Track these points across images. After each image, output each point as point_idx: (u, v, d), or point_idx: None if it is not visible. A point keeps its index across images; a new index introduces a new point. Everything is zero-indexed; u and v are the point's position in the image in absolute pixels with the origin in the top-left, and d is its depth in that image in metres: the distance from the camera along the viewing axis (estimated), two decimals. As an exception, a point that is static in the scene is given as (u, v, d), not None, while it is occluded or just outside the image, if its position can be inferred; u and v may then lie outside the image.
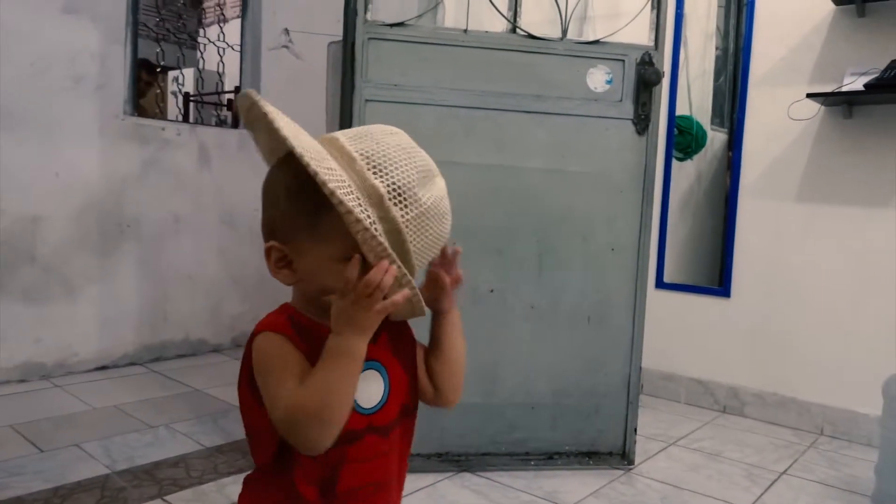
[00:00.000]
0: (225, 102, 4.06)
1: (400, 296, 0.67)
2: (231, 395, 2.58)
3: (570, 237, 1.99)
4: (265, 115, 0.67)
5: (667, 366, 2.83)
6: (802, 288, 2.52)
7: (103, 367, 2.87)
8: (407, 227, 0.69)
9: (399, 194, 0.69)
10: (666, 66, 2.73)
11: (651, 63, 1.98)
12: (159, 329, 3.07)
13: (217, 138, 3.25)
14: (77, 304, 2.79)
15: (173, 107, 4.14)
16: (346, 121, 1.84)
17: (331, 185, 0.63)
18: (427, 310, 0.76)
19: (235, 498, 1.73)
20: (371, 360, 0.73)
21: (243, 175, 3.29)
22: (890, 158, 2.33)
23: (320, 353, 0.68)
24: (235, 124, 3.55)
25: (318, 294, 0.73)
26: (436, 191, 0.72)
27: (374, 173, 0.68)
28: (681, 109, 2.88)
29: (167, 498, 1.73)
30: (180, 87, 4.01)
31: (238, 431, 2.19)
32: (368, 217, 0.65)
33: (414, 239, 0.70)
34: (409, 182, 0.69)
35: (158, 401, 2.51)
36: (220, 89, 4.01)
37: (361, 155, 0.69)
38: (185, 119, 4.07)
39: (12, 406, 2.38)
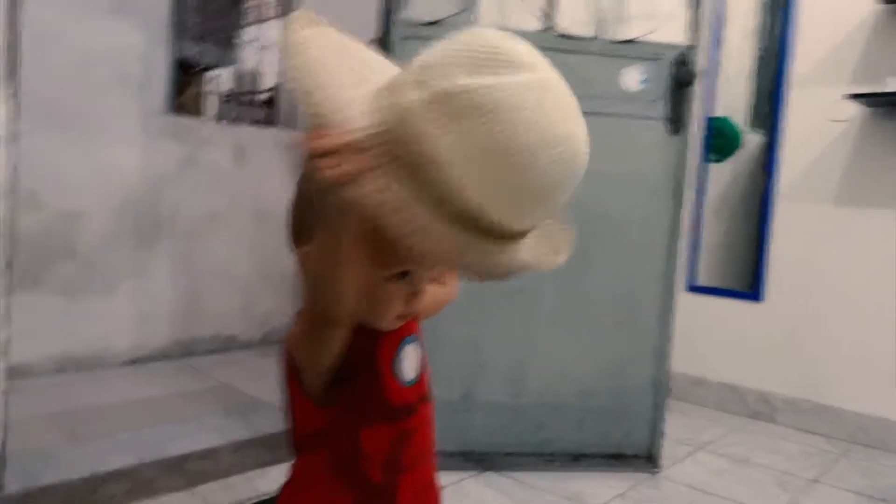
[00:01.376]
0: (263, 101, 4.13)
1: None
2: (260, 390, 2.61)
3: (600, 238, 1.97)
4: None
5: (697, 370, 2.79)
6: (838, 293, 2.46)
7: (136, 361, 2.93)
8: (421, 111, 0.50)
9: (423, 70, 0.53)
10: (702, 66, 2.71)
11: (686, 63, 1.96)
12: (192, 324, 3.13)
13: (253, 137, 3.30)
14: (113, 299, 2.85)
15: (211, 105, 4.21)
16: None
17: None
18: None
19: (262, 490, 1.76)
20: (412, 334, 0.74)
21: (278, 173, 3.34)
22: (933, 162, 2.27)
23: (374, 356, 0.70)
24: (271, 123, 3.60)
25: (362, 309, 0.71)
26: (509, 79, 0.51)
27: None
28: (717, 110, 2.83)
29: (195, 489, 1.77)
30: (218, 85, 4.08)
31: (265, 426, 2.22)
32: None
33: (446, 143, 0.50)
34: (438, 59, 0.53)
35: (189, 394, 2.55)
36: (257, 88, 4.08)
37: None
38: (223, 118, 4.14)
39: (48, 396, 2.43)
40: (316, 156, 0.47)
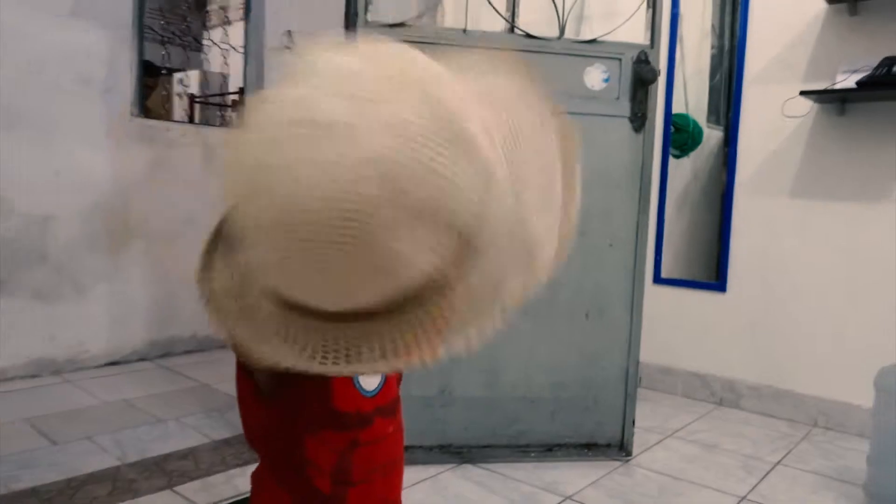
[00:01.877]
0: (229, 103, 4.12)
1: None
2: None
3: (567, 233, 2.03)
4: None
5: (664, 359, 2.88)
6: (797, 283, 2.56)
7: (113, 363, 2.93)
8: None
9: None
10: (662, 65, 2.78)
11: (647, 61, 2.02)
12: (168, 326, 3.13)
13: (222, 138, 3.30)
14: (87, 302, 2.85)
15: (178, 109, 4.20)
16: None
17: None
18: None
19: (243, 489, 1.78)
20: None
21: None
22: (883, 155, 2.37)
23: None
24: (240, 124, 3.61)
25: None
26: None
27: None
28: (677, 107, 2.92)
29: (176, 489, 1.78)
30: (185, 88, 4.07)
31: (245, 425, 2.25)
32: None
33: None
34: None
35: (167, 395, 2.56)
36: (224, 90, 4.07)
37: None
38: (191, 120, 4.13)
39: (25, 400, 2.43)
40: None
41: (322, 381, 0.65)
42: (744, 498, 1.88)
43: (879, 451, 1.82)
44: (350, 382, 0.68)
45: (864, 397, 2.21)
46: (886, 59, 2.24)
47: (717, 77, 3.13)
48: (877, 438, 1.84)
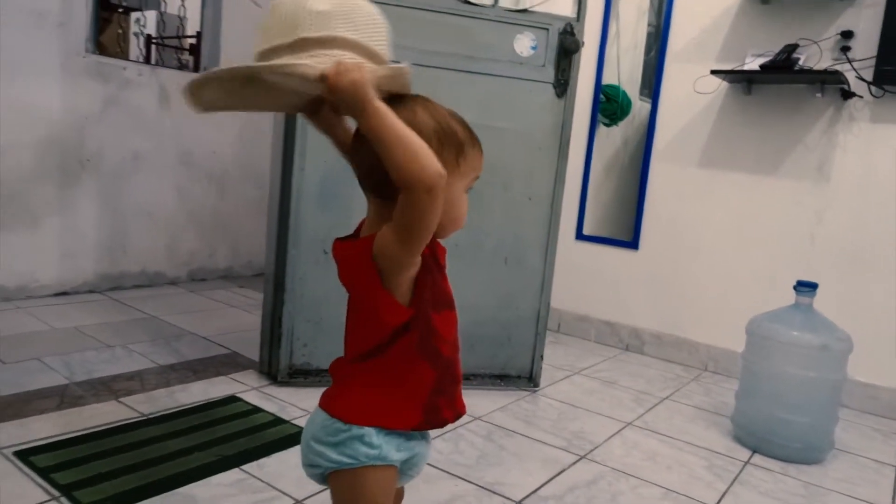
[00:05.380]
0: (186, 46, 4.16)
1: (358, 69, 0.78)
2: (185, 322, 2.78)
3: (492, 186, 2.23)
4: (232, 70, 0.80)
5: (582, 308, 3.16)
6: (698, 243, 2.85)
7: (63, 294, 3.03)
8: (336, 31, 0.81)
9: (310, 23, 0.81)
10: (592, 38, 2.98)
11: (572, 33, 2.22)
12: (118, 261, 3.24)
13: (177, 81, 3.35)
14: (38, 233, 2.93)
15: (134, 48, 4.21)
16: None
17: (290, 62, 0.78)
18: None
19: (184, 402, 1.96)
20: None
21: (202, 118, 3.43)
22: (778, 132, 2.64)
23: (436, 255, 0.90)
24: (196, 68, 3.67)
25: (445, 220, 0.84)
26: None
27: (289, 35, 0.82)
28: (611, 79, 3.13)
29: (122, 399, 1.92)
30: (142, 28, 4.09)
31: (190, 353, 2.41)
32: (313, 57, 0.80)
33: (352, 31, 0.82)
34: (304, 14, 0.81)
35: (116, 324, 2.67)
36: (181, 33, 4.10)
37: (276, 38, 0.84)
38: (147, 61, 4.15)
39: None
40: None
41: (439, 276, 0.91)
42: (629, 424, 2.17)
43: (744, 387, 2.12)
44: (446, 277, 0.95)
45: (744, 344, 2.52)
46: (787, 45, 2.49)
47: (652, 53, 3.35)
48: (743, 376, 2.13)
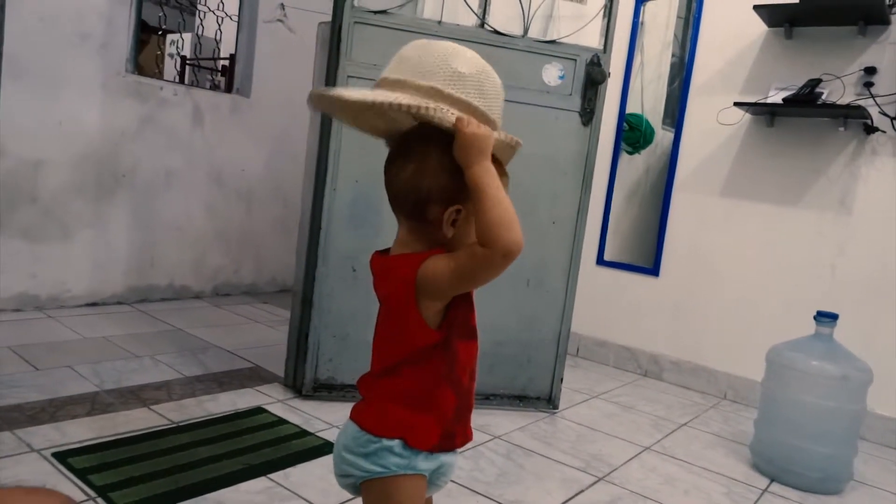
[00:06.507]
0: (220, 68, 4.29)
1: (486, 129, 0.86)
2: (210, 335, 2.85)
3: (517, 209, 2.26)
4: (335, 97, 0.88)
5: (601, 333, 3.18)
6: (718, 272, 2.88)
7: (93, 304, 3.11)
8: (467, 95, 0.87)
9: (447, 79, 0.87)
10: (618, 68, 3.04)
11: (598, 64, 2.28)
12: (146, 274, 3.32)
13: (211, 101, 3.47)
14: (72, 245, 3.02)
15: (170, 69, 4.35)
16: (329, 94, 2.11)
17: (414, 103, 0.83)
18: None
19: (213, 411, 2.01)
20: None
21: (234, 137, 3.54)
22: (801, 165, 2.68)
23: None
24: (229, 89, 3.78)
25: (459, 248, 0.88)
26: (467, 57, 0.89)
27: (423, 78, 0.87)
28: (635, 108, 3.19)
29: (152, 407, 1.98)
30: (179, 50, 4.23)
31: (215, 366, 2.46)
32: (441, 108, 0.85)
33: (479, 98, 0.88)
34: (445, 67, 0.87)
35: (144, 336, 2.73)
36: (216, 55, 4.23)
37: (408, 74, 0.89)
38: (182, 81, 4.28)
39: (9, 331, 2.56)
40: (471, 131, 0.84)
41: (466, 306, 0.94)
42: (648, 448, 2.18)
43: (764, 415, 2.13)
44: (474, 309, 0.99)
45: (764, 374, 2.52)
46: (810, 80, 2.53)
47: (676, 84, 3.41)
48: (762, 404, 2.14)
